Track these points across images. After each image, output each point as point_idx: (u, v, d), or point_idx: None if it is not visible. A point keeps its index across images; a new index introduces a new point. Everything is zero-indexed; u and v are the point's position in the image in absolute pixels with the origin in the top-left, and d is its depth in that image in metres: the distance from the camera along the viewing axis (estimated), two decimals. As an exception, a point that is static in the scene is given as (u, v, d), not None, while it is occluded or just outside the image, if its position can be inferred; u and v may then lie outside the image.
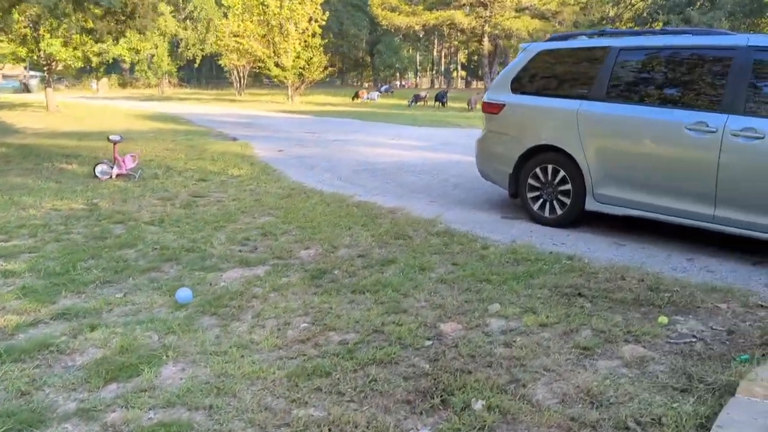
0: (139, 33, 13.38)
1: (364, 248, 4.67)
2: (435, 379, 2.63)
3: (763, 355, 2.77)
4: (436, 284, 3.87)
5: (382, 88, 42.46)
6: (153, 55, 43.71)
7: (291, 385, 2.60)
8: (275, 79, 30.43)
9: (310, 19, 28.55)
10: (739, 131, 4.18)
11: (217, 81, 60.18)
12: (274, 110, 24.35)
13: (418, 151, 10.93)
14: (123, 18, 11.64)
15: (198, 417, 2.39)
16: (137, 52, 38.17)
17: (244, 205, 6.13)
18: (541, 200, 5.48)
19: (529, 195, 5.55)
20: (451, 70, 76.05)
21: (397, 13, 36.99)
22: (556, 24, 35.39)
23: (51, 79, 20.37)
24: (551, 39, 5.79)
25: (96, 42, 14.67)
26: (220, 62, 39.70)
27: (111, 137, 7.64)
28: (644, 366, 2.73)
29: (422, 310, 3.43)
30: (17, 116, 18.82)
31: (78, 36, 15.60)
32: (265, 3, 28.18)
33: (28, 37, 17.92)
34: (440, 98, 27.72)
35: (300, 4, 28.07)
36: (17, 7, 10.95)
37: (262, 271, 4.15)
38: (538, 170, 5.44)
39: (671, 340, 3.00)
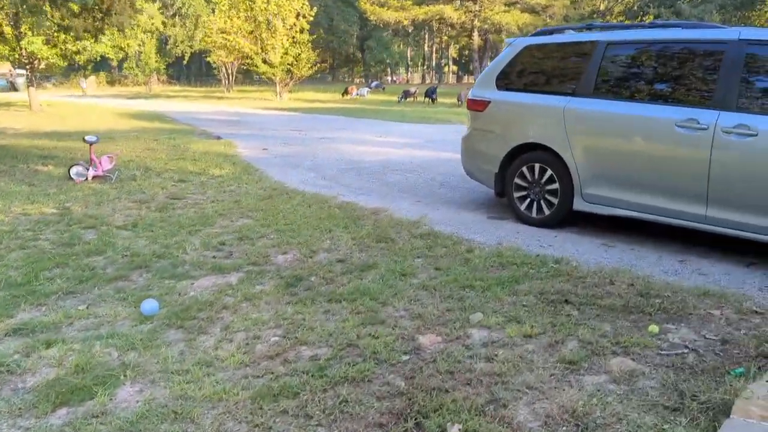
0: (119, 30, 13.08)
1: (343, 252, 4.48)
2: (410, 399, 2.45)
3: (759, 368, 2.61)
4: (417, 291, 3.69)
5: (373, 84, 42.20)
6: (141, 53, 43.18)
7: (255, 408, 2.42)
8: (263, 76, 30.09)
9: (298, 15, 28.22)
10: (732, 128, 4.02)
11: (207, 78, 59.66)
12: (261, 107, 24.07)
13: (406, 149, 10.74)
14: (100, 15, 11.34)
15: (151, 447, 2.20)
16: (121, 49, 37.63)
17: (223, 207, 5.92)
18: (528, 200, 5.31)
19: (516, 195, 5.38)
20: (443, 65, 75.83)
21: (386, 8, 36.77)
22: (547, 18, 35.28)
23: (34, 78, 19.98)
24: (537, 33, 5.61)
25: (75, 40, 14.34)
26: (208, 59, 39.30)
27: (87, 138, 7.40)
28: (633, 382, 2.56)
29: (401, 321, 3.25)
30: (-1, 115, 18.47)
31: (57, 34, 15.26)
32: (252, -1, 27.84)
33: (9, 36, 17.56)
34: (430, 94, 27.51)
35: (287, -1, 27.77)
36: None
37: (235, 279, 3.96)
38: (524, 169, 5.27)
39: (662, 352, 2.84)
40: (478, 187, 6.93)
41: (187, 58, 54.29)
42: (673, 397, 2.43)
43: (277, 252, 4.51)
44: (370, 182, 7.45)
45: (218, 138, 12.20)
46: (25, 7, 9.70)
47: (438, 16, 38.29)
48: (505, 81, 5.51)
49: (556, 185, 5.06)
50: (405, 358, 2.82)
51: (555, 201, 5.10)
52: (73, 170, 7.22)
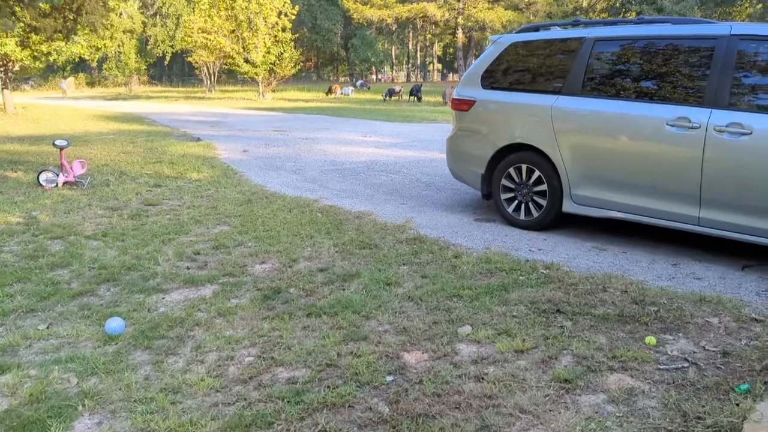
0: (91, 30, 12.69)
1: (325, 261, 4.28)
2: (394, 428, 2.26)
3: (765, 383, 2.45)
4: (402, 302, 3.49)
5: (358, 83, 41.91)
6: (120, 53, 42.46)
7: (225, 441, 2.21)
8: (246, 76, 29.70)
9: (280, 13, 27.87)
10: (725, 127, 3.87)
11: (189, 78, 58.94)
12: (243, 108, 23.73)
13: (391, 149, 10.55)
14: (71, 15, 10.95)
15: (106, 491, 1.98)
16: (98, 49, 36.93)
17: (199, 213, 5.68)
18: (516, 202, 5.15)
19: (503, 196, 5.21)
20: (427, 63, 75.67)
21: (369, 6, 36.52)
22: (530, 15, 35.29)
23: (8, 80, 19.45)
24: (523, 30, 5.44)
25: (47, 40, 13.91)
26: (190, 59, 38.75)
27: (57, 142, 7.10)
28: (633, 401, 2.39)
29: (385, 336, 3.05)
30: (-27, 119, 17.95)
31: (29, 35, 14.75)
32: (233, -3, 27.43)
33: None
34: (415, 92, 27.32)
35: (269, -2, 27.39)
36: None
37: (209, 292, 3.74)
38: (512, 170, 5.10)
39: (661, 366, 2.67)
40: (464, 188, 6.76)
41: (168, 58, 53.53)
42: (676, 419, 2.26)
43: (255, 261, 4.29)
44: (354, 184, 7.25)
45: (198, 140, 11.91)
46: None
47: (421, 14, 38.12)
48: (491, 79, 5.34)
49: (544, 186, 4.89)
50: (389, 379, 2.63)
51: (543, 203, 4.94)
52: (43, 176, 6.92)
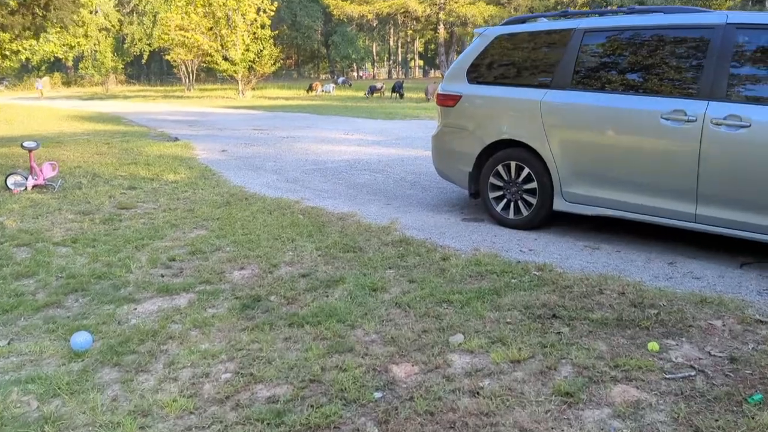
0: (62, 27, 12.27)
1: (307, 266, 4.07)
2: (385, 452, 2.07)
3: (779, 392, 2.30)
4: (389, 309, 3.30)
5: (339, 80, 41.60)
6: (96, 51, 41.63)
7: (198, 472, 2.00)
8: (225, 74, 29.27)
9: (258, 10, 27.49)
10: (722, 119, 3.73)
11: (167, 77, 58.04)
12: (223, 106, 23.34)
13: (374, 147, 10.35)
14: (40, 12, 10.54)
15: None
16: (72, 48, 36.15)
17: (175, 216, 5.43)
18: (505, 200, 4.98)
19: (492, 195, 5.04)
20: (409, 59, 75.48)
21: (349, 2, 36.23)
22: (512, 10, 35.28)
23: (-22, 80, 18.92)
24: (509, 22, 5.26)
25: (16, 38, 13.43)
26: (167, 57, 38.14)
27: (25, 144, 6.78)
28: (640, 416, 2.23)
29: (372, 347, 2.86)
30: (-58, 120, 17.35)
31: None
32: (211, -7, 26.98)
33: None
34: (397, 89, 27.12)
35: (247, -6, 26.98)
36: None
37: (184, 301, 3.51)
38: (500, 168, 4.93)
39: (667, 376, 2.51)
40: (450, 187, 6.58)
41: (146, 57, 52.68)
42: (688, 435, 2.10)
43: (233, 267, 4.07)
44: (337, 184, 7.04)
45: (175, 140, 11.59)
46: None
47: (402, 10, 37.92)
48: (477, 74, 5.16)
49: (534, 184, 4.73)
50: (377, 395, 2.44)
51: (533, 201, 4.78)
52: (10, 180, 6.60)
